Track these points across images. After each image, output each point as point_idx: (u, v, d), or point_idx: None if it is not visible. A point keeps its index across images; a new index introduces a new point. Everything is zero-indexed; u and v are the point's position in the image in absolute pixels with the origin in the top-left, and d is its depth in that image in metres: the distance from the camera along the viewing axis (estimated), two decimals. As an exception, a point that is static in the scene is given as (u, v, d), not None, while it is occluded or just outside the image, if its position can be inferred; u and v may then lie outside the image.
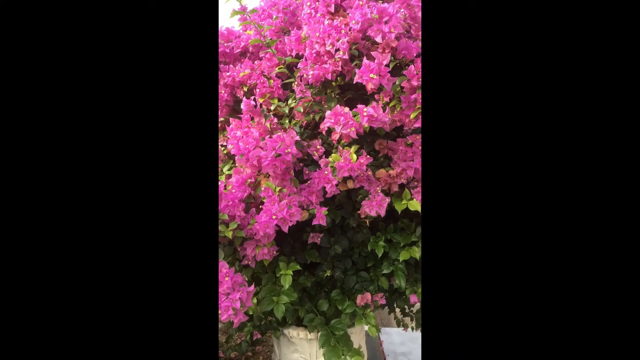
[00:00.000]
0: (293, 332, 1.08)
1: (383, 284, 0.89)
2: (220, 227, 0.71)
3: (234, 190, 0.74)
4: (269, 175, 0.75)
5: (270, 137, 0.71)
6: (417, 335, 2.12)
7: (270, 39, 0.88)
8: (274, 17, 0.89)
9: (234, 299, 0.64)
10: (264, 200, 0.72)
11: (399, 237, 0.84)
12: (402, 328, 1.41)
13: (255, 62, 0.90)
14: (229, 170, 0.90)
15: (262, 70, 0.87)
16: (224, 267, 0.67)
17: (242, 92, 0.91)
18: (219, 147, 0.96)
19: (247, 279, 0.78)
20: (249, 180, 0.77)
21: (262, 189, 0.74)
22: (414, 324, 1.29)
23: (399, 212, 0.80)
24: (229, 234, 0.70)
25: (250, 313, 1.08)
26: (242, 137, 0.74)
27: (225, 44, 0.92)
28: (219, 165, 0.93)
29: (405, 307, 1.17)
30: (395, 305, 1.04)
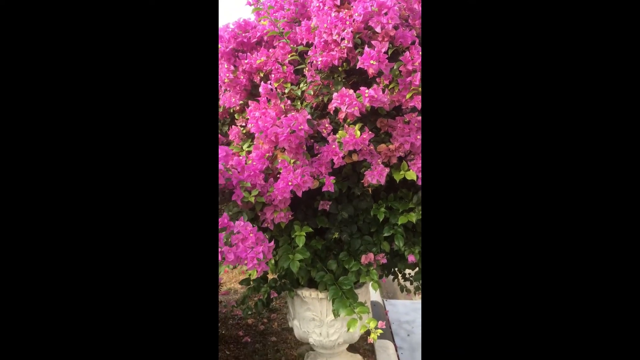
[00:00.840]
0: (305, 293, 1.21)
1: (385, 247, 1.02)
2: (245, 194, 0.83)
3: (254, 163, 0.86)
4: (284, 149, 0.87)
5: (285, 117, 0.82)
6: (419, 306, 2.26)
7: (283, 30, 0.98)
8: (286, 8, 0.99)
9: (257, 251, 0.77)
10: (281, 171, 0.85)
11: (398, 204, 0.96)
12: (406, 293, 1.54)
13: (270, 50, 1.01)
14: (248, 147, 1.02)
15: (276, 58, 0.98)
16: (248, 226, 0.79)
17: (258, 77, 1.02)
18: (239, 127, 1.08)
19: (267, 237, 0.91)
20: (267, 155, 0.89)
21: (279, 161, 0.86)
22: (414, 287, 1.42)
23: (398, 182, 0.91)
24: (252, 199, 0.82)
25: (268, 275, 1.22)
26: (260, 117, 0.86)
27: (243, 34, 1.03)
28: (239, 143, 1.05)
29: (405, 271, 1.30)
30: (396, 268, 1.17)
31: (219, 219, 0.78)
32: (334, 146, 0.84)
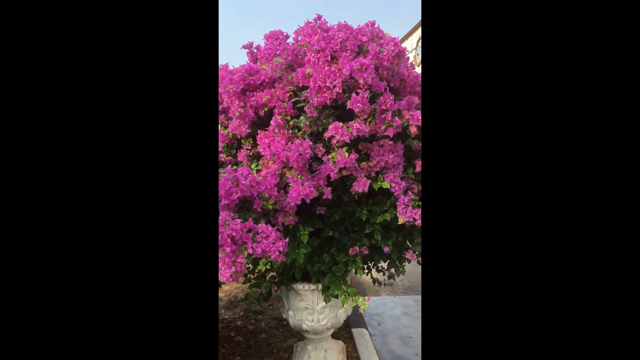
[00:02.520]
0: (300, 286, 1.46)
1: (365, 242, 1.31)
2: (263, 202, 1.09)
3: (268, 179, 1.11)
4: (292, 168, 1.13)
5: (292, 143, 1.09)
6: (386, 300, 2.59)
7: (283, 74, 1.26)
8: (278, 59, 1.27)
9: (278, 246, 1.03)
10: (290, 184, 1.11)
11: (376, 207, 1.26)
12: (377, 285, 1.83)
13: (272, 89, 1.28)
14: (256, 166, 1.27)
15: (278, 96, 1.26)
16: (269, 227, 1.05)
17: (263, 111, 1.28)
18: (245, 150, 1.33)
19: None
20: (278, 172, 1.15)
21: (288, 177, 1.12)
22: (385, 277, 1.72)
23: (376, 190, 1.21)
24: (270, 206, 1.08)
25: (272, 272, 1.46)
26: (270, 143, 1.12)
27: (250, 77, 1.29)
28: (247, 164, 1.30)
29: (379, 264, 1.59)
30: (373, 260, 1.46)
31: (246, 223, 1.02)
32: (330, 164, 1.12)
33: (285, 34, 1.56)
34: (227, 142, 1.35)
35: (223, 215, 1.02)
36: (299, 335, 1.99)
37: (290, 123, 1.21)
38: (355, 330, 2.02)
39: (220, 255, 1.01)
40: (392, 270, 1.53)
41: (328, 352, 1.65)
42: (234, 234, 0.99)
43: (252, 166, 1.29)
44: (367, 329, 2.10)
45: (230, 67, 1.54)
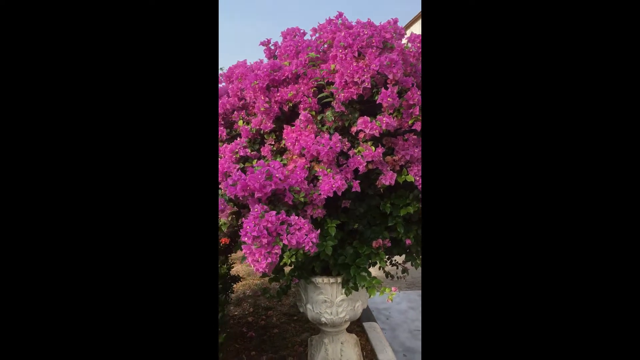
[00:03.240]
0: (319, 279, 1.49)
1: (385, 235, 1.34)
2: (294, 195, 1.11)
3: (298, 172, 1.13)
4: (320, 161, 1.16)
5: (321, 137, 1.12)
6: (394, 296, 2.62)
7: (306, 71, 1.28)
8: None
9: (311, 237, 1.05)
10: (319, 177, 1.13)
11: (399, 200, 1.29)
12: (389, 279, 1.86)
13: (296, 85, 1.30)
14: (281, 161, 1.29)
15: (303, 92, 1.27)
16: (302, 219, 1.06)
17: (287, 106, 1.30)
18: (268, 145, 1.34)
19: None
20: (306, 166, 1.17)
21: (317, 170, 1.14)
22: (400, 270, 1.75)
23: (401, 184, 1.24)
24: (302, 199, 1.10)
25: (290, 265, 1.47)
26: (298, 138, 1.14)
27: (274, 73, 1.31)
28: (271, 158, 1.32)
29: (396, 257, 1.62)
30: (392, 252, 1.49)
31: (279, 215, 1.04)
32: (358, 158, 1.15)
33: (302, 31, 1.58)
34: (250, 137, 1.37)
35: (258, 208, 1.04)
36: (312, 329, 2.01)
37: (319, 118, 1.23)
38: (366, 324, 2.05)
39: (254, 247, 1.02)
40: (407, 264, 1.56)
41: (344, 344, 1.68)
42: (269, 225, 1.01)
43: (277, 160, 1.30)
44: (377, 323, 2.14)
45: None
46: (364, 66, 1.13)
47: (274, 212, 1.02)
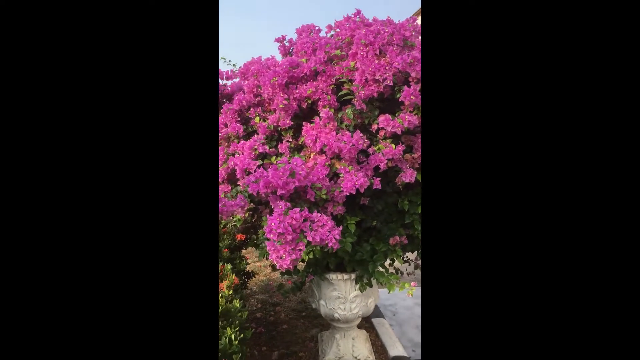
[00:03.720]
0: (333, 276, 1.50)
1: (401, 232, 1.35)
2: (316, 192, 1.11)
3: (319, 169, 1.14)
4: (341, 158, 1.16)
5: (342, 135, 1.12)
6: (399, 293, 2.65)
7: (325, 68, 1.28)
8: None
9: (334, 234, 1.05)
10: (340, 175, 1.14)
11: (416, 198, 1.30)
12: (400, 274, 1.87)
13: (315, 82, 1.30)
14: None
15: (322, 89, 1.28)
16: (324, 216, 1.07)
17: (305, 103, 1.30)
18: (286, 142, 1.34)
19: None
20: (327, 163, 1.17)
21: (338, 167, 1.15)
22: (412, 266, 1.77)
23: (420, 181, 1.25)
24: (323, 196, 1.10)
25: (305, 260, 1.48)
26: (317, 135, 1.15)
27: (293, 70, 1.31)
28: (289, 155, 1.32)
29: (407, 255, 1.64)
30: (406, 249, 1.50)
31: (302, 212, 1.05)
32: (379, 155, 1.15)
33: (317, 27, 1.58)
34: (267, 134, 1.37)
35: (282, 204, 1.04)
36: (321, 325, 2.03)
37: (339, 115, 1.24)
38: (375, 320, 2.07)
39: (278, 244, 1.03)
40: (420, 260, 1.57)
41: (356, 340, 1.69)
42: (293, 222, 1.02)
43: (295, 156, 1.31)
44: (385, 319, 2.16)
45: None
46: (386, 64, 1.14)
47: (297, 209, 1.03)
